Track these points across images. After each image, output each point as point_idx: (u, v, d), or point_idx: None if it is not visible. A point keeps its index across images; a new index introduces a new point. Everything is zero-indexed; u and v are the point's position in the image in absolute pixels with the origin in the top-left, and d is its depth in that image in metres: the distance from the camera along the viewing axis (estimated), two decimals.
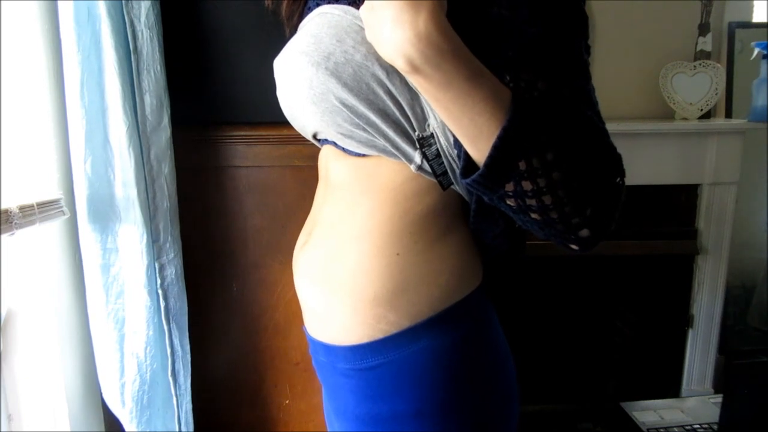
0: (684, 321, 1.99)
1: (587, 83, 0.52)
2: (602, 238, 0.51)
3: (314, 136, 0.66)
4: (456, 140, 0.52)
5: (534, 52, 0.50)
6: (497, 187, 0.48)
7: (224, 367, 1.25)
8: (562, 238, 0.52)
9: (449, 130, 0.53)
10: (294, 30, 0.68)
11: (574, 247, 0.52)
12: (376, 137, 0.56)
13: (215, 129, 1.15)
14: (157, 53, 0.99)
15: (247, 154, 1.16)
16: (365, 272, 0.58)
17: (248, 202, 1.19)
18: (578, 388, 2.06)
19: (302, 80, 0.56)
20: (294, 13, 0.71)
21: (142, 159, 1.00)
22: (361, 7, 0.47)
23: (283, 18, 0.72)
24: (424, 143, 0.56)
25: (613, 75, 1.93)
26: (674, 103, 1.93)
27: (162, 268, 1.05)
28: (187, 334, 1.11)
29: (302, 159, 1.15)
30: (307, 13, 0.62)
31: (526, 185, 0.47)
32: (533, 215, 0.49)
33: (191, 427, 1.15)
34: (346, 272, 0.59)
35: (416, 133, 0.56)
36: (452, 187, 0.58)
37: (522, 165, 0.46)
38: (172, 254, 1.06)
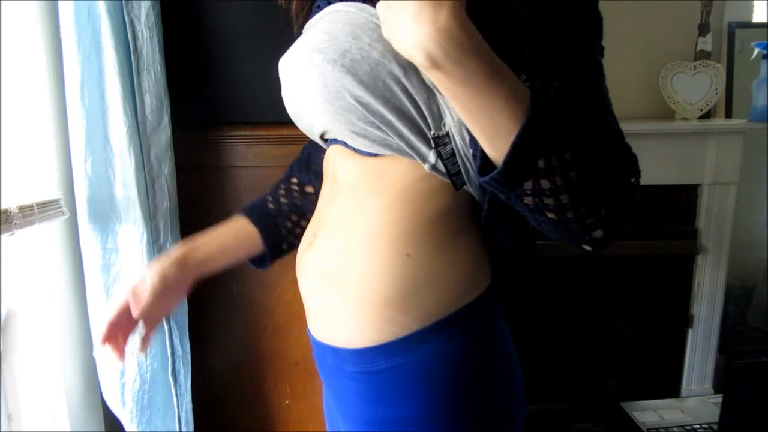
0: (684, 321, 1.99)
1: (602, 83, 0.52)
2: (615, 238, 0.51)
3: (321, 136, 0.65)
4: (472, 139, 0.52)
5: (550, 51, 0.50)
6: (516, 186, 0.47)
7: (224, 367, 1.25)
8: (575, 239, 0.51)
9: (465, 128, 0.53)
10: (300, 29, 0.67)
11: (586, 247, 0.52)
12: (390, 136, 0.56)
13: (215, 129, 1.15)
14: (157, 53, 0.99)
15: (247, 154, 1.16)
16: (375, 274, 0.57)
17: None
18: (578, 388, 2.06)
19: (315, 78, 0.55)
20: (302, 10, 0.70)
21: (143, 159, 1.00)
22: (378, 4, 0.46)
23: (292, 15, 0.71)
24: (440, 142, 0.55)
25: (613, 75, 1.91)
26: (674, 103, 1.93)
27: None
28: (187, 334, 1.11)
29: None
30: (316, 12, 0.62)
31: (545, 184, 0.46)
32: (549, 214, 0.49)
33: (191, 427, 1.15)
34: (354, 274, 0.58)
35: (432, 132, 0.55)
36: (464, 187, 0.58)
37: (541, 163, 0.46)
38: None
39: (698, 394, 1.98)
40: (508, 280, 0.64)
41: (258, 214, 0.80)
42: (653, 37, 1.94)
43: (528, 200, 0.48)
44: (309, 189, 0.82)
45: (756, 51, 1.84)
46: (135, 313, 0.74)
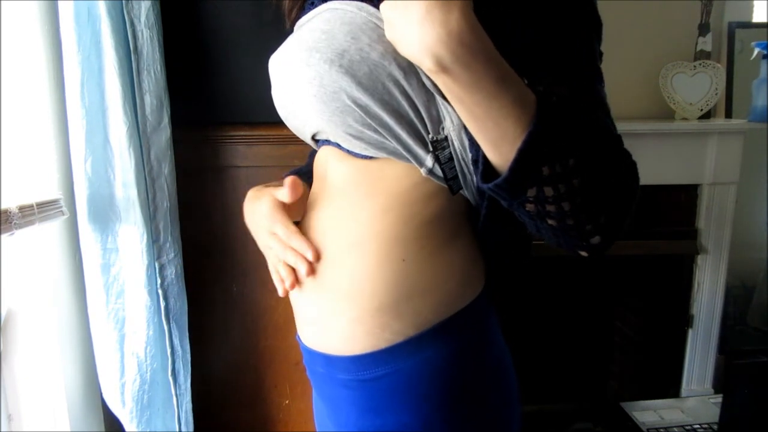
0: (684, 321, 1.99)
1: (602, 88, 0.52)
2: (611, 245, 0.51)
3: (313, 137, 0.64)
4: (472, 144, 0.51)
5: (552, 56, 0.49)
6: (520, 193, 0.47)
7: (224, 367, 1.25)
8: (573, 245, 0.51)
9: (465, 133, 0.52)
10: (292, 26, 0.66)
11: (583, 253, 0.52)
12: (387, 139, 0.55)
13: (215, 129, 1.15)
14: (157, 53, 0.99)
15: (247, 154, 1.16)
16: (369, 279, 0.56)
17: None
18: (578, 388, 2.06)
19: (311, 77, 0.53)
20: (294, 7, 0.68)
21: (142, 159, 1.00)
22: (382, 4, 0.45)
23: (284, 11, 0.70)
24: (438, 146, 0.54)
25: (613, 75, 1.91)
26: (674, 103, 1.93)
27: (162, 268, 1.05)
28: (187, 334, 1.11)
29: (302, 159, 1.14)
30: (309, 9, 0.60)
31: (548, 191, 0.46)
32: (550, 221, 0.48)
33: (191, 427, 1.15)
34: (347, 279, 0.57)
35: (430, 136, 0.54)
36: (461, 191, 0.57)
37: (546, 170, 0.45)
38: (172, 254, 1.06)
39: (698, 394, 1.98)
40: (504, 282, 0.63)
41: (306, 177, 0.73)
42: (653, 37, 1.94)
43: (530, 207, 0.48)
44: None
45: (756, 51, 1.84)
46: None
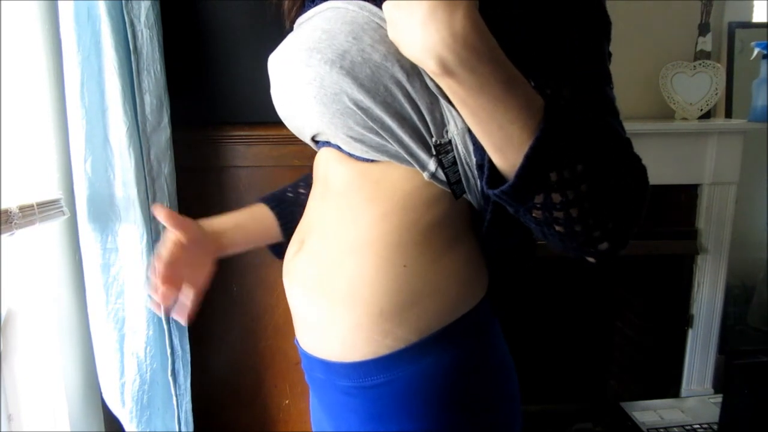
0: (684, 321, 1.99)
1: (610, 91, 0.51)
2: (620, 251, 0.49)
3: (313, 138, 0.63)
4: (477, 149, 0.50)
5: (560, 58, 0.48)
6: (527, 199, 0.45)
7: (224, 367, 1.25)
8: (580, 251, 0.49)
9: (469, 137, 0.51)
10: (291, 24, 0.65)
11: (590, 259, 0.50)
12: (388, 142, 0.54)
13: (215, 129, 1.15)
14: (157, 53, 0.99)
15: (247, 154, 1.16)
16: (370, 284, 0.55)
17: (248, 202, 1.18)
18: (578, 388, 2.06)
19: (311, 78, 0.52)
20: (293, 7, 0.67)
21: (142, 159, 1.00)
22: (385, 3, 0.43)
23: (284, 10, 0.68)
24: (441, 150, 0.53)
25: (613, 75, 1.93)
26: (674, 103, 1.93)
27: None
28: (187, 334, 1.11)
29: (302, 159, 1.15)
30: (310, 7, 0.59)
31: (555, 197, 0.44)
32: (557, 227, 0.47)
33: (191, 427, 1.14)
34: (348, 284, 0.56)
35: (433, 139, 0.53)
36: (464, 195, 0.56)
37: (553, 176, 0.43)
38: None
39: (698, 394, 1.98)
40: (507, 285, 0.63)
41: (276, 201, 0.78)
42: (653, 37, 1.95)
43: (537, 213, 0.46)
44: None
45: (756, 51, 1.84)
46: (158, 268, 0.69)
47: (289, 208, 0.78)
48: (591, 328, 2.05)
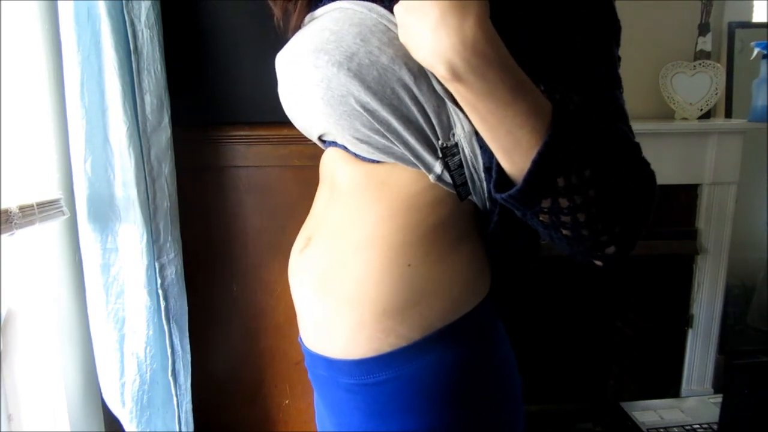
0: (684, 321, 1.99)
1: (620, 95, 0.51)
2: (627, 254, 0.50)
3: (320, 138, 0.63)
4: (483, 151, 0.50)
5: (570, 62, 0.48)
6: (534, 203, 0.46)
7: (224, 367, 1.25)
8: (588, 255, 0.50)
9: (476, 140, 0.52)
10: (297, 25, 0.65)
11: (598, 263, 0.51)
12: (394, 144, 0.54)
13: (215, 129, 1.15)
14: (157, 53, 0.99)
15: (247, 154, 1.16)
16: (374, 283, 0.55)
17: (248, 202, 1.19)
18: (578, 388, 2.06)
19: (318, 80, 0.52)
20: (299, 6, 0.65)
21: (142, 159, 1.00)
22: (396, 7, 0.44)
23: (291, 11, 0.67)
24: (447, 153, 0.53)
25: None
26: (674, 103, 1.93)
27: (162, 268, 1.05)
28: (187, 334, 1.11)
29: (302, 159, 1.15)
30: (318, 6, 0.59)
31: (563, 202, 0.45)
32: (564, 231, 0.47)
33: (191, 427, 1.14)
34: (352, 282, 0.56)
35: (440, 142, 0.53)
36: (469, 197, 0.56)
37: (561, 181, 0.44)
38: (172, 254, 1.06)
39: (698, 394, 1.98)
40: (511, 286, 0.63)
41: None
42: (653, 37, 1.95)
43: (544, 217, 0.47)
44: None
45: (756, 51, 1.84)
46: None
47: None
48: (591, 328, 2.05)
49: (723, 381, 1.87)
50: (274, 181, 1.18)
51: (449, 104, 0.52)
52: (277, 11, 0.67)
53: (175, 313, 1.08)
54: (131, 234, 0.99)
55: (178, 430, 1.12)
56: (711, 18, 1.89)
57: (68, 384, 1.02)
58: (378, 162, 0.57)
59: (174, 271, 1.07)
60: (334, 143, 0.61)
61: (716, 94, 1.92)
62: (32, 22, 0.93)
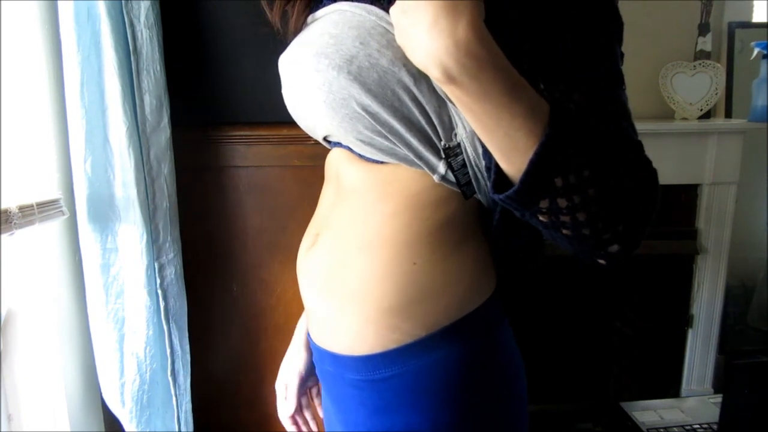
0: (684, 321, 1.99)
1: (622, 93, 0.51)
2: (631, 253, 0.49)
3: (325, 138, 0.63)
4: (485, 151, 0.50)
5: (570, 60, 0.48)
6: (532, 204, 0.46)
7: (224, 367, 1.25)
8: (590, 254, 0.50)
9: (478, 140, 0.51)
10: (298, 26, 0.65)
11: (601, 261, 0.51)
12: (397, 145, 0.54)
13: (215, 129, 1.15)
14: (157, 53, 0.99)
15: (247, 154, 1.16)
16: (379, 281, 0.56)
17: (248, 202, 1.19)
18: (578, 388, 2.06)
19: (319, 83, 0.53)
20: (299, 8, 0.65)
21: (142, 159, 1.00)
22: (392, 9, 0.44)
23: (290, 15, 0.67)
24: (450, 153, 0.53)
25: None
26: (674, 103, 1.93)
27: (162, 268, 1.05)
28: (187, 334, 1.11)
29: (302, 159, 1.15)
30: (319, 7, 0.59)
31: (562, 202, 0.45)
32: (565, 231, 0.47)
33: (191, 427, 1.15)
34: (358, 280, 0.57)
35: (442, 143, 0.53)
36: (474, 195, 0.57)
37: (559, 182, 0.44)
38: (172, 254, 1.06)
39: (698, 394, 1.98)
40: (513, 285, 0.63)
41: None
42: (653, 37, 1.95)
43: (543, 217, 0.47)
44: None
45: (756, 51, 1.84)
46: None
47: None
48: (591, 328, 2.05)
49: (723, 381, 1.87)
50: (274, 181, 1.18)
51: (450, 105, 0.52)
52: (274, 14, 0.67)
53: (175, 313, 1.08)
54: (131, 234, 1.00)
55: (177, 430, 1.12)
56: (711, 18, 1.89)
57: (68, 384, 1.02)
58: (382, 162, 0.57)
59: (173, 271, 1.07)
60: (339, 143, 0.62)
61: (716, 94, 1.92)
62: (32, 22, 0.93)
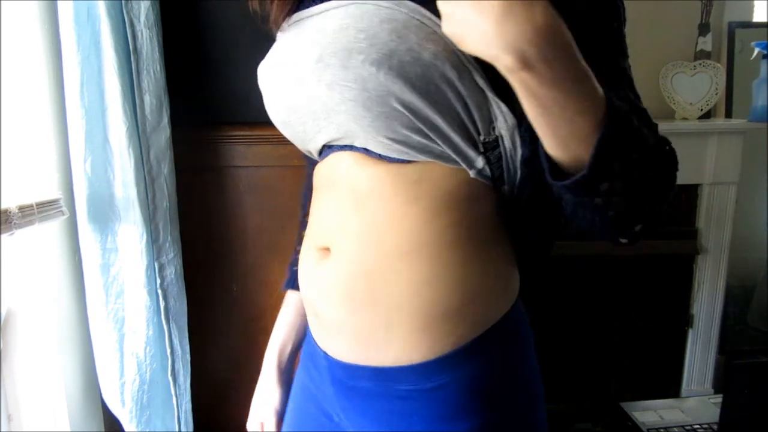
0: (684, 321, 1.99)
1: (628, 65, 0.56)
2: (649, 231, 0.52)
3: (325, 144, 0.60)
4: (523, 143, 0.51)
5: (603, 49, 0.51)
6: (594, 188, 0.46)
7: (224, 367, 1.25)
8: (619, 233, 0.52)
9: (518, 132, 0.52)
10: (277, 25, 0.62)
11: (623, 240, 0.52)
12: (434, 142, 0.53)
13: (215, 129, 1.15)
14: (157, 53, 0.99)
15: (247, 154, 1.16)
16: (428, 287, 0.54)
17: (248, 202, 1.19)
18: (578, 388, 2.06)
19: (349, 80, 0.50)
20: (284, 5, 0.62)
21: (142, 159, 1.00)
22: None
23: (269, 11, 0.64)
24: (488, 147, 0.53)
25: None
26: (674, 103, 1.93)
27: (161, 267, 1.05)
28: (186, 334, 1.11)
29: (302, 159, 1.15)
30: (307, 6, 0.57)
31: (617, 184, 0.46)
32: (610, 212, 0.49)
33: (191, 427, 1.15)
34: (404, 288, 0.54)
35: (481, 137, 0.53)
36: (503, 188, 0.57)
37: (617, 165, 0.45)
38: (172, 254, 1.06)
39: (698, 394, 1.98)
40: (524, 283, 0.64)
41: (295, 279, 0.74)
42: (653, 37, 1.94)
43: (598, 201, 0.48)
44: None
45: (756, 51, 1.84)
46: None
47: None
48: (591, 327, 2.05)
49: (723, 381, 1.86)
50: (274, 181, 1.18)
51: (491, 97, 0.52)
52: (255, 3, 0.65)
53: (175, 313, 1.08)
54: (131, 234, 1.00)
55: (177, 430, 1.12)
56: (711, 18, 1.89)
57: (68, 384, 1.02)
58: (404, 161, 0.55)
59: (173, 271, 1.07)
60: (345, 148, 0.58)
61: (716, 94, 1.91)
62: (32, 22, 0.93)
